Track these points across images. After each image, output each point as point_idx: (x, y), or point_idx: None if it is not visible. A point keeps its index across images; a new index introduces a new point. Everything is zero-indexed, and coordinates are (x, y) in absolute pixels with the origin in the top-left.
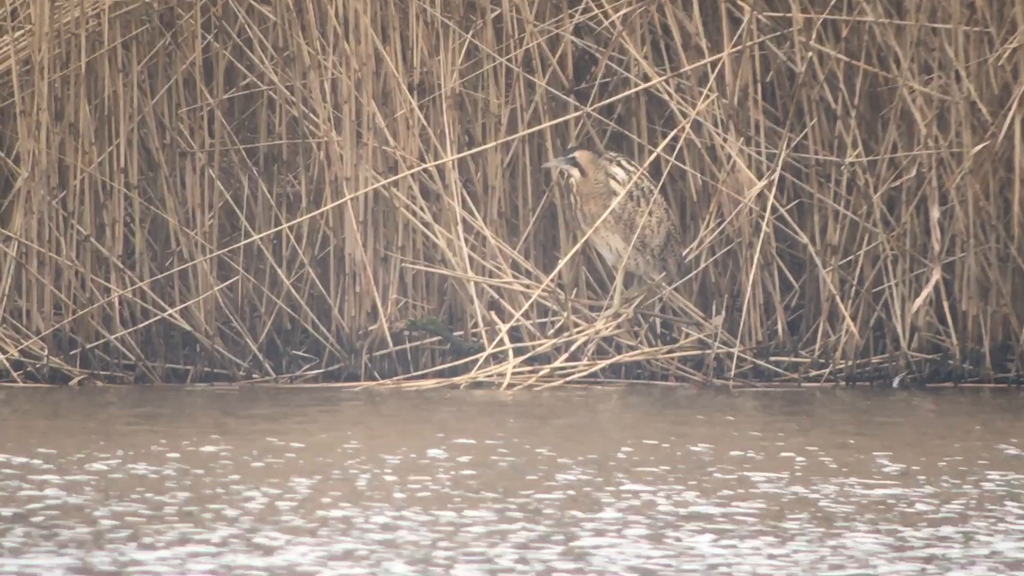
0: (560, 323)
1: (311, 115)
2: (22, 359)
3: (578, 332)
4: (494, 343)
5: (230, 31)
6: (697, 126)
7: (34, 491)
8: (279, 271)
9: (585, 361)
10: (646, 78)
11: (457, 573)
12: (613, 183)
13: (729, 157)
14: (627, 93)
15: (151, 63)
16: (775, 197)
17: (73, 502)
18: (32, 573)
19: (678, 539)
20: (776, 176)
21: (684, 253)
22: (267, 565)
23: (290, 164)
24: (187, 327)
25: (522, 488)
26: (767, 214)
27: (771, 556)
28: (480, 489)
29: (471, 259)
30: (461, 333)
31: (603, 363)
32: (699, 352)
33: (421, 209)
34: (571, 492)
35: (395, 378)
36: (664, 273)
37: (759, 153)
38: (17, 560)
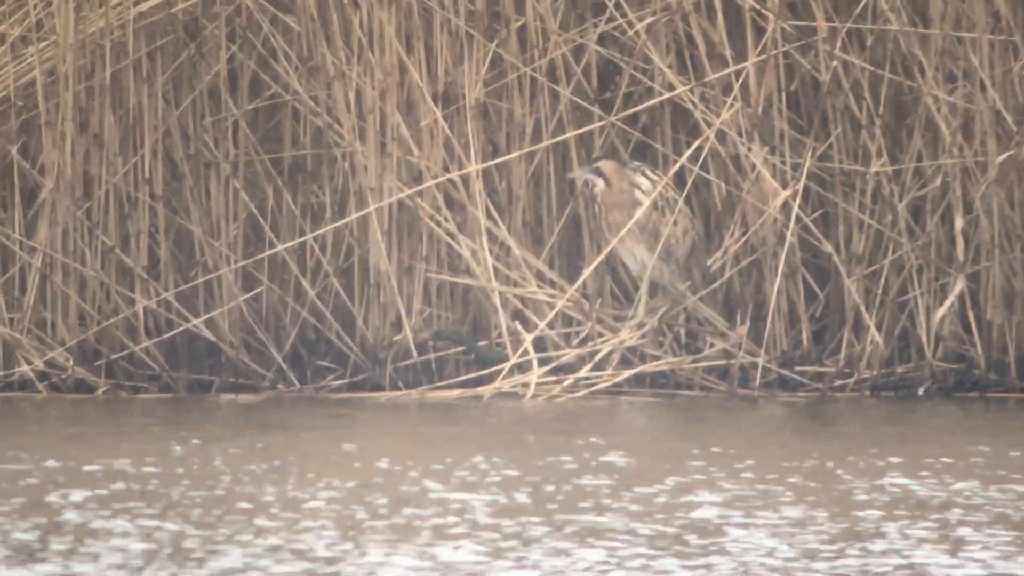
0: (584, 333)
1: (336, 125)
2: (47, 370)
3: (603, 342)
4: (518, 353)
5: (255, 41)
6: (721, 135)
7: None
8: (303, 281)
9: (610, 371)
10: (670, 87)
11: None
12: (638, 193)
13: (753, 166)
14: (651, 103)
15: (176, 74)
16: (800, 206)
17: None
18: None
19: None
20: (801, 185)
21: (709, 263)
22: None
23: (314, 174)
24: (212, 338)
25: (550, 499)
26: (792, 223)
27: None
28: (508, 503)
29: (495, 269)
30: (485, 343)
31: (627, 373)
32: (724, 362)
33: (445, 219)
34: (590, 501)
35: (419, 388)
36: (689, 283)
37: (783, 162)
38: None
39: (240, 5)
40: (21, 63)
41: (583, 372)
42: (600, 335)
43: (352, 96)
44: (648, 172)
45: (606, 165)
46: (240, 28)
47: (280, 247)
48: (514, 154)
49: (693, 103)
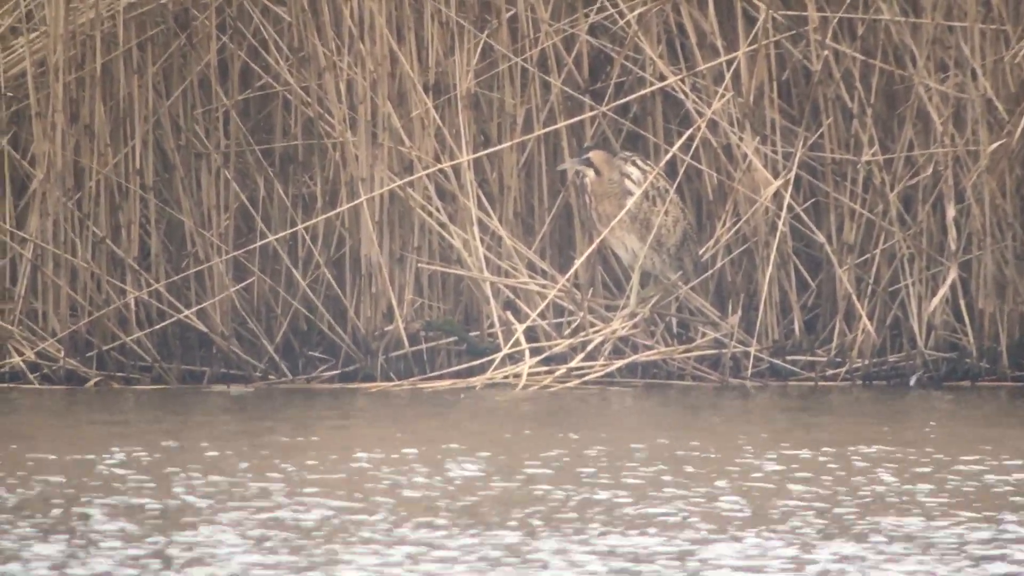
0: (576, 323)
1: (326, 116)
2: (39, 361)
3: (594, 332)
4: (510, 343)
5: (245, 32)
6: (713, 125)
7: None
8: (295, 272)
9: (601, 361)
10: (662, 77)
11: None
12: (628, 183)
13: (745, 156)
14: (642, 92)
15: (166, 64)
16: (791, 196)
17: None
18: None
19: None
20: (792, 175)
21: (700, 252)
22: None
23: (306, 165)
24: (203, 328)
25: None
26: (783, 213)
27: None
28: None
29: (487, 259)
30: (477, 333)
31: (619, 363)
32: (715, 352)
33: (437, 209)
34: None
35: (411, 379)
36: (680, 272)
37: (775, 152)
38: None
39: None
40: (11, 54)
41: (575, 362)
42: (592, 325)
43: (343, 86)
44: (639, 162)
45: (597, 155)
46: (230, 18)
47: (271, 238)
48: (505, 144)
49: (684, 93)
